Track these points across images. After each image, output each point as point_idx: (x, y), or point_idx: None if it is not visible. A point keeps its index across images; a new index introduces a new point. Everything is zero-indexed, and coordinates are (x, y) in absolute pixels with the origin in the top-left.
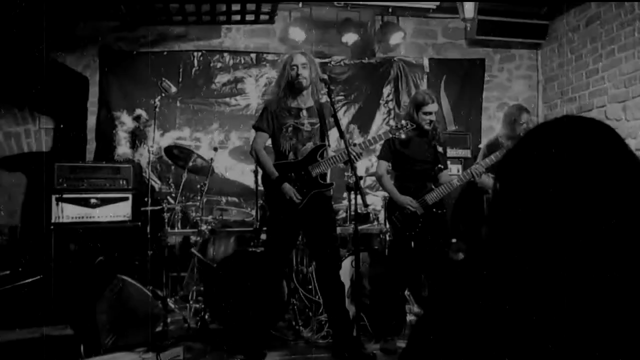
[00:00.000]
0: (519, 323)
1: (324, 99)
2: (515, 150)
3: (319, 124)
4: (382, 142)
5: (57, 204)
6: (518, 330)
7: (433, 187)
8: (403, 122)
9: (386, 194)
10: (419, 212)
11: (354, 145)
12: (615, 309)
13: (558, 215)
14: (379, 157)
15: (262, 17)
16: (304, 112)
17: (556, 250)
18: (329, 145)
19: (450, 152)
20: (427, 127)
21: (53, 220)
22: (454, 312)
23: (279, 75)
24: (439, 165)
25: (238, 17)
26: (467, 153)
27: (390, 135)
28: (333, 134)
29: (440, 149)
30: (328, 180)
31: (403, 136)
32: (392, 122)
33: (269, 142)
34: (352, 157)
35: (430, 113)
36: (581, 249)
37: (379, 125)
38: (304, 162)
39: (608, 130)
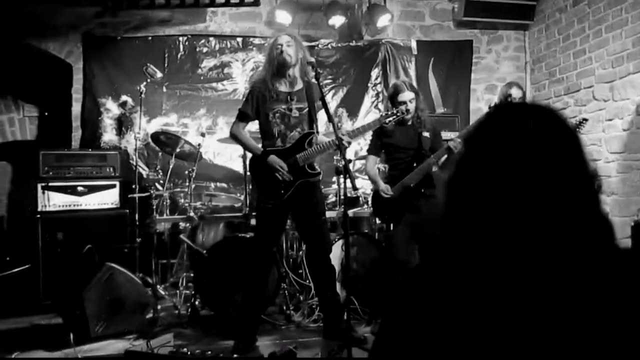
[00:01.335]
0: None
1: (313, 81)
2: (474, 132)
3: (307, 109)
4: (370, 130)
5: (43, 193)
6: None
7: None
8: (395, 109)
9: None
10: (395, 195)
11: (342, 134)
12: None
13: (510, 194)
14: (367, 152)
15: None
16: (292, 97)
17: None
18: (317, 132)
19: None
20: (407, 116)
21: (39, 209)
22: (423, 295)
23: (265, 59)
24: (423, 151)
25: (222, 0)
26: (456, 135)
27: (380, 124)
28: (322, 117)
29: (426, 134)
30: (316, 166)
31: (393, 124)
32: (380, 106)
33: (255, 127)
34: (341, 145)
35: (404, 102)
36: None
37: (368, 108)
38: (291, 150)
39: (557, 118)
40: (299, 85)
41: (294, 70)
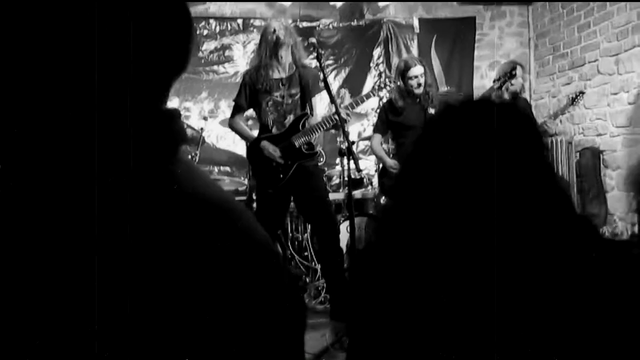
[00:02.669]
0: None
1: (314, 63)
2: (424, 135)
3: (299, 94)
4: (363, 103)
5: None
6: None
7: None
8: (386, 79)
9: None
10: None
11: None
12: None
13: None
14: (373, 131)
15: None
16: (285, 83)
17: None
18: (311, 114)
19: None
20: (417, 91)
21: None
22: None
23: (257, 46)
24: None
25: None
26: None
27: (373, 95)
28: (319, 99)
29: (432, 111)
30: (319, 149)
31: (387, 94)
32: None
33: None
34: (338, 122)
35: (415, 76)
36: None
37: (370, 88)
38: (286, 133)
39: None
40: (292, 70)
41: (287, 53)
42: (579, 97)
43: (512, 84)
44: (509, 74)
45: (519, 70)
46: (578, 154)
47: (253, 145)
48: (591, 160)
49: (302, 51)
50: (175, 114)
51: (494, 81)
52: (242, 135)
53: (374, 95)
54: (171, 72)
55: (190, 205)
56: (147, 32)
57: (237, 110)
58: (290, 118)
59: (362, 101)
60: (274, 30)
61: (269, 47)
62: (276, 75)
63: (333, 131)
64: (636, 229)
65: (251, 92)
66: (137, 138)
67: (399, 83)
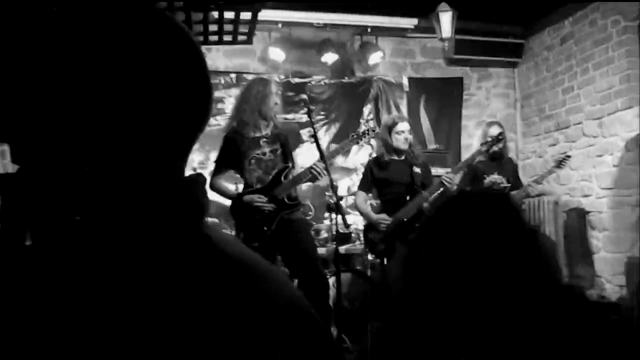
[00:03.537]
0: None
1: (304, 118)
2: (428, 226)
3: (280, 149)
4: (343, 152)
5: None
6: None
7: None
8: (364, 128)
9: None
10: (389, 230)
11: (319, 161)
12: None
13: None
14: (358, 188)
15: (240, 37)
16: (264, 141)
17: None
18: (293, 167)
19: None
20: (403, 146)
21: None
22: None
23: (242, 101)
24: (415, 186)
25: (215, 38)
26: (447, 171)
27: (351, 145)
28: (306, 152)
29: (417, 169)
30: (307, 202)
31: (363, 144)
32: (373, 142)
33: None
34: (315, 173)
35: (402, 132)
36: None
37: (360, 144)
38: (268, 187)
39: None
40: (270, 126)
41: (268, 110)
42: (565, 161)
43: (499, 147)
44: (496, 138)
45: (494, 130)
46: (565, 215)
47: (236, 201)
48: (577, 221)
49: (280, 105)
50: (200, 182)
51: (481, 144)
52: (224, 194)
53: (353, 143)
54: (193, 134)
55: (247, 271)
56: (171, 97)
57: (219, 171)
58: (274, 173)
59: (341, 150)
60: (271, 91)
61: (253, 108)
62: (256, 133)
63: (321, 185)
64: (624, 292)
65: (233, 153)
66: (169, 209)
67: (387, 139)
